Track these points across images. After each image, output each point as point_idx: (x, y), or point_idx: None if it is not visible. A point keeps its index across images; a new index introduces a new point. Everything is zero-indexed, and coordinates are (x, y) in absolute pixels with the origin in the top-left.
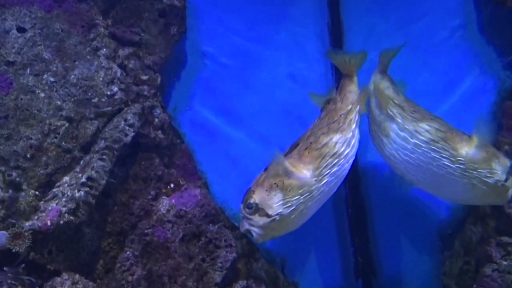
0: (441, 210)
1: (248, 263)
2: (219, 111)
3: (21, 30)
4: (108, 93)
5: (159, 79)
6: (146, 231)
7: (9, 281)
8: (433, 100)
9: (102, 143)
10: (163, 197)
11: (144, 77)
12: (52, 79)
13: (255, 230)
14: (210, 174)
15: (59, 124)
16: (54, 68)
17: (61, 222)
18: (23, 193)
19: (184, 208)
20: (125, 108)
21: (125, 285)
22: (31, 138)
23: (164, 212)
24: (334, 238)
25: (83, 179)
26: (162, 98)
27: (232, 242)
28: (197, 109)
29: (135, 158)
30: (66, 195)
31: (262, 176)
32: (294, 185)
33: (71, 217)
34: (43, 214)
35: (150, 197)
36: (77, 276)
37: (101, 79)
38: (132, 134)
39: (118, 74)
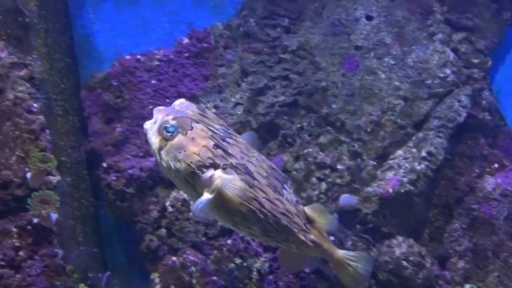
0: None
1: None
2: None
3: (369, 18)
4: (441, 75)
5: (489, 63)
6: (473, 206)
7: (353, 237)
8: None
9: (436, 122)
10: (487, 176)
11: (475, 61)
12: (392, 62)
13: None
14: None
15: (396, 102)
16: (394, 52)
17: (402, 190)
18: (361, 163)
19: (509, 188)
20: (456, 90)
21: (452, 253)
22: (372, 114)
23: (490, 190)
24: None
25: (423, 153)
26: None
27: None
28: None
29: (461, 137)
30: (403, 166)
31: None
32: None
33: (411, 187)
34: (382, 182)
35: (474, 174)
36: (411, 240)
37: (435, 62)
38: (465, 114)
39: (451, 57)
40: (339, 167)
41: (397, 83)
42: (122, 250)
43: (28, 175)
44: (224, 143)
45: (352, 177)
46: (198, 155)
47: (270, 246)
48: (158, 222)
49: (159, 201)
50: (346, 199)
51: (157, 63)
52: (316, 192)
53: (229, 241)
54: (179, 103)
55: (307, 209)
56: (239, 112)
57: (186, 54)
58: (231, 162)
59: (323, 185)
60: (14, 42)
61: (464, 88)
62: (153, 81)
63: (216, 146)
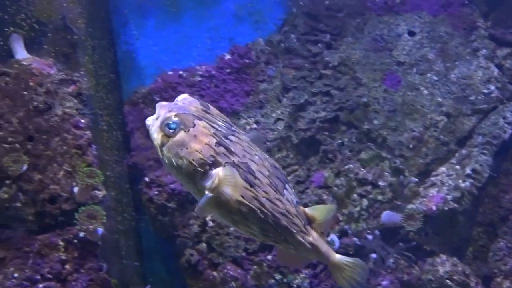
0: None
1: None
2: None
3: (411, 33)
4: (485, 91)
5: None
6: None
7: (395, 255)
8: None
9: (480, 138)
10: None
11: None
12: (435, 78)
13: None
14: None
15: (439, 118)
16: (437, 68)
17: (446, 208)
18: (404, 179)
19: None
20: (501, 106)
21: (497, 273)
22: (414, 131)
23: None
24: None
25: (468, 171)
26: None
27: None
28: None
29: (506, 154)
30: (447, 184)
31: None
32: None
33: (455, 205)
34: (425, 199)
35: None
36: (455, 258)
37: (478, 78)
38: (510, 131)
39: (495, 73)
40: (380, 183)
41: (440, 99)
42: (162, 264)
43: (75, 189)
44: (227, 141)
45: (394, 194)
46: (200, 153)
47: (311, 262)
48: (199, 236)
49: (200, 216)
50: (388, 216)
51: (199, 78)
52: (357, 209)
53: (269, 257)
54: (182, 98)
55: (307, 210)
56: (280, 128)
57: (228, 70)
58: (233, 161)
59: (365, 202)
60: (62, 59)
61: (509, 104)
62: (196, 97)
63: (219, 144)
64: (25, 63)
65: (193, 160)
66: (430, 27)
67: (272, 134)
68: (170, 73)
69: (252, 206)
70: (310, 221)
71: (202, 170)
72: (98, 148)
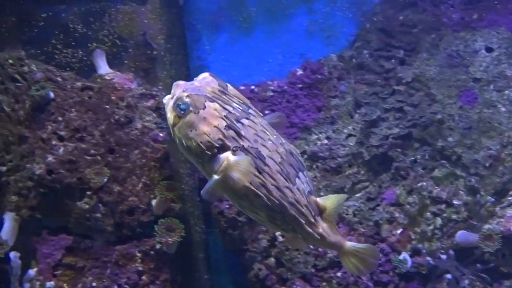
0: None
1: None
2: None
3: (489, 50)
4: None
5: None
6: None
7: (470, 276)
8: None
9: None
10: None
11: None
12: None
13: None
14: None
15: None
16: None
17: None
18: (481, 198)
19: None
20: None
21: None
22: (490, 149)
23: None
24: None
25: None
26: None
27: None
28: None
29: None
30: None
31: None
32: None
33: None
34: (502, 219)
35: None
36: None
37: None
38: None
39: None
40: (455, 202)
41: None
42: (230, 278)
43: (153, 202)
44: (238, 124)
45: (469, 213)
46: (208, 136)
47: (381, 281)
48: (268, 251)
49: (269, 231)
50: (464, 235)
51: (271, 93)
52: (431, 227)
53: (338, 274)
54: (201, 78)
55: (319, 200)
56: (351, 144)
57: (300, 85)
58: (243, 145)
59: (438, 221)
60: (142, 74)
61: None
62: (267, 112)
63: (228, 127)
64: (107, 78)
65: (201, 142)
66: (509, 43)
67: (343, 150)
68: (242, 88)
69: (259, 192)
70: (321, 211)
71: (209, 153)
72: (174, 161)
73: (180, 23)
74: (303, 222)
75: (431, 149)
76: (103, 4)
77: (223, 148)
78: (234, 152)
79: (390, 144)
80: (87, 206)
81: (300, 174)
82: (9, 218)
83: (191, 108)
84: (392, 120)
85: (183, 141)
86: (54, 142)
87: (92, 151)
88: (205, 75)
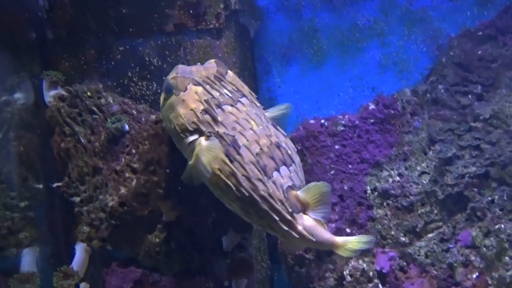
0: None
1: None
2: None
3: None
4: None
5: None
6: None
7: None
8: None
9: None
10: None
11: None
12: None
13: None
14: None
15: None
16: None
17: None
18: None
19: None
20: None
21: None
22: None
23: None
24: None
25: None
26: None
27: None
28: None
29: None
30: None
31: None
32: None
33: None
34: None
35: None
36: None
37: None
38: None
39: None
40: None
41: None
42: None
43: (223, 238)
44: (218, 110)
45: None
46: (183, 118)
47: None
48: None
49: (336, 269)
50: None
51: (342, 128)
52: (510, 273)
53: None
54: (206, 63)
55: (299, 193)
56: (424, 182)
57: (372, 120)
58: (218, 131)
59: None
60: None
61: None
62: (337, 146)
63: (205, 111)
64: None
65: (176, 125)
66: None
67: (416, 188)
68: (311, 121)
69: (228, 182)
70: (304, 207)
71: (183, 136)
72: None
73: (251, 55)
74: (277, 219)
75: (510, 189)
76: (179, 37)
77: (198, 132)
78: (208, 138)
79: (466, 183)
80: (157, 240)
81: (283, 168)
82: (80, 249)
83: (173, 90)
84: (468, 158)
85: (167, 123)
86: (127, 175)
87: (163, 184)
88: (211, 60)
